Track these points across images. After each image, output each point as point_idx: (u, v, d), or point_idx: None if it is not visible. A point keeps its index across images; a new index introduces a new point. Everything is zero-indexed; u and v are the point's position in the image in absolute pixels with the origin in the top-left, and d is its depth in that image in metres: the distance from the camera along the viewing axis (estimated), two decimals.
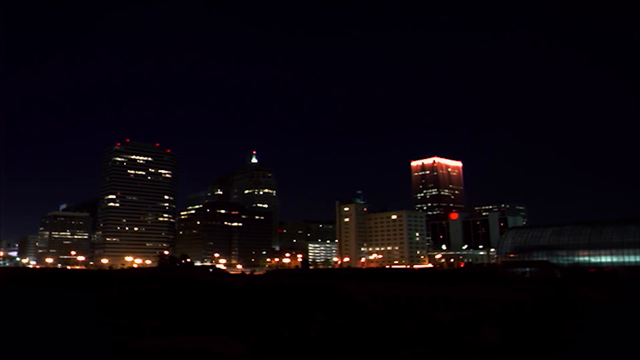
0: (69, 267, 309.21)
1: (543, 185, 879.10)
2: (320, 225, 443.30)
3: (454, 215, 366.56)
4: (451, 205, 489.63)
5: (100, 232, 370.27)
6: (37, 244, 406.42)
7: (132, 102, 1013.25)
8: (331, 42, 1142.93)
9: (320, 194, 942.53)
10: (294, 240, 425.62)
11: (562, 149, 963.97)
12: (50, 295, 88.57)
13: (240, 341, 51.51)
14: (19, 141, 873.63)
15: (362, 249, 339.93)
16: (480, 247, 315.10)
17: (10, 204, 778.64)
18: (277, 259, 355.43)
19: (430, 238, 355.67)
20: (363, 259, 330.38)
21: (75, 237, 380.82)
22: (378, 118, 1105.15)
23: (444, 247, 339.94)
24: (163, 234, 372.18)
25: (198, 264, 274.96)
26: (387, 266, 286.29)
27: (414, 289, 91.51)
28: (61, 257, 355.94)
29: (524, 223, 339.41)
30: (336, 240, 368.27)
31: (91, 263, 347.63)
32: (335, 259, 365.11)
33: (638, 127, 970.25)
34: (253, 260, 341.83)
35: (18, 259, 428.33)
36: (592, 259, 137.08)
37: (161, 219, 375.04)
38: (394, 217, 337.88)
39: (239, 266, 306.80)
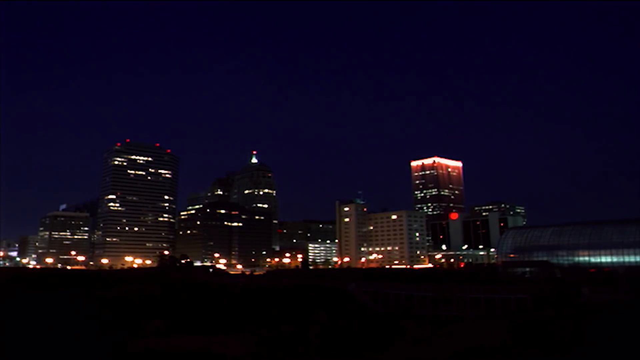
0: (69, 267, 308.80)
1: (543, 185, 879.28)
2: (320, 225, 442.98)
3: (454, 215, 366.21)
4: (451, 205, 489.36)
5: (100, 232, 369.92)
6: (37, 244, 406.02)
7: (132, 102, 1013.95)
8: (331, 42, 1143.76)
9: (320, 194, 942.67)
10: (294, 240, 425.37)
11: (562, 149, 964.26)
12: (50, 295, 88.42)
13: (240, 341, 51.50)
14: (20, 141, 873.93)
15: (362, 249, 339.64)
16: (480, 247, 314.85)
17: (11, 203, 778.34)
18: (277, 259, 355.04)
19: (430, 238, 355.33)
20: (363, 259, 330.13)
21: (75, 237, 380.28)
22: (378, 118, 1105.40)
23: (444, 247, 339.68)
24: (163, 234, 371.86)
25: (198, 264, 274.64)
26: (387, 266, 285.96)
27: (414, 289, 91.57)
28: (61, 257, 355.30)
29: (524, 223, 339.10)
30: (336, 240, 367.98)
31: (91, 263, 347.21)
32: (335, 259, 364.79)
33: (638, 127, 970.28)
34: (253, 260, 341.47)
35: (18, 259, 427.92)
36: (592, 259, 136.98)
37: (161, 219, 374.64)
38: (394, 217, 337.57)
39: (239, 266, 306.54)
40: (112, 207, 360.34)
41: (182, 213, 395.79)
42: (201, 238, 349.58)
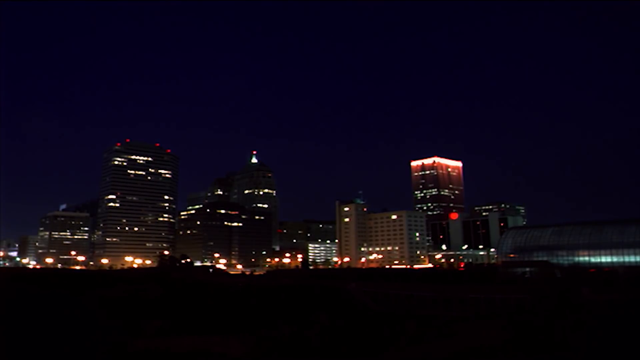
0: (69, 267, 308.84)
1: (543, 185, 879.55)
2: (320, 225, 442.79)
3: (454, 215, 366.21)
4: (451, 205, 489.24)
5: (100, 232, 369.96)
6: (37, 244, 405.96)
7: (132, 102, 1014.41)
8: (331, 42, 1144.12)
9: (320, 194, 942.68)
10: (294, 240, 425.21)
11: (562, 149, 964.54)
12: (50, 295, 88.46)
13: (240, 341, 51.51)
14: (20, 141, 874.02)
15: (362, 249, 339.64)
16: (480, 247, 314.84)
17: (10, 204, 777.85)
18: (277, 259, 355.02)
19: (430, 238, 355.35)
20: (363, 259, 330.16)
21: (75, 237, 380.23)
22: (378, 118, 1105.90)
23: (444, 247, 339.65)
24: (163, 234, 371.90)
25: (198, 264, 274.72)
26: (387, 266, 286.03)
27: (414, 289, 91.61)
28: (61, 257, 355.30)
29: (524, 223, 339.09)
30: (336, 240, 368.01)
31: (91, 263, 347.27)
32: (335, 259, 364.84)
33: (638, 127, 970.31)
34: (253, 260, 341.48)
35: (18, 259, 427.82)
36: (592, 259, 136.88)
37: (161, 219, 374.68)
38: (394, 217, 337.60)
39: (239, 266, 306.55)
40: (112, 207, 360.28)
41: (182, 213, 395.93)
42: (201, 238, 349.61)
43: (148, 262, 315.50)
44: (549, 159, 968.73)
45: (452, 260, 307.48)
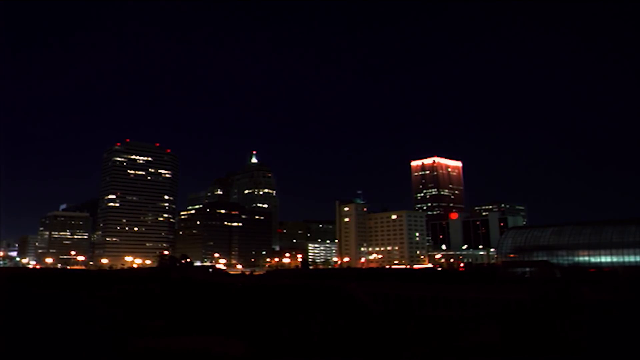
0: (69, 267, 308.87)
1: (543, 185, 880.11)
2: (320, 225, 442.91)
3: (454, 215, 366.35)
4: (451, 205, 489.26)
5: (100, 232, 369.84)
6: (37, 244, 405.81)
7: (132, 102, 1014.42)
8: (332, 43, 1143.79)
9: (320, 194, 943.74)
10: (294, 240, 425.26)
11: (562, 149, 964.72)
12: (51, 295, 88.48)
13: (240, 341, 51.54)
14: (19, 141, 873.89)
15: (362, 249, 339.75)
16: (480, 247, 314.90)
17: (10, 204, 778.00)
18: (277, 259, 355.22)
19: (430, 238, 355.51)
20: (363, 259, 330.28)
21: (75, 237, 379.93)
22: (378, 118, 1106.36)
23: (444, 247, 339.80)
24: (163, 234, 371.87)
25: (198, 264, 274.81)
26: (387, 266, 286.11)
27: (414, 289, 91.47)
28: (61, 257, 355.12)
29: (524, 223, 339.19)
30: (336, 240, 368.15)
31: (91, 263, 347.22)
32: (335, 259, 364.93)
33: (638, 126, 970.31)
34: (253, 260, 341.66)
35: (18, 259, 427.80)
36: (592, 259, 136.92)
37: (161, 219, 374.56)
38: (394, 217, 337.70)
39: (239, 266, 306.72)
40: (112, 207, 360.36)
41: (182, 213, 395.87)
42: (201, 238, 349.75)
43: (148, 262, 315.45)
44: (549, 159, 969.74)
45: (452, 260, 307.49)
